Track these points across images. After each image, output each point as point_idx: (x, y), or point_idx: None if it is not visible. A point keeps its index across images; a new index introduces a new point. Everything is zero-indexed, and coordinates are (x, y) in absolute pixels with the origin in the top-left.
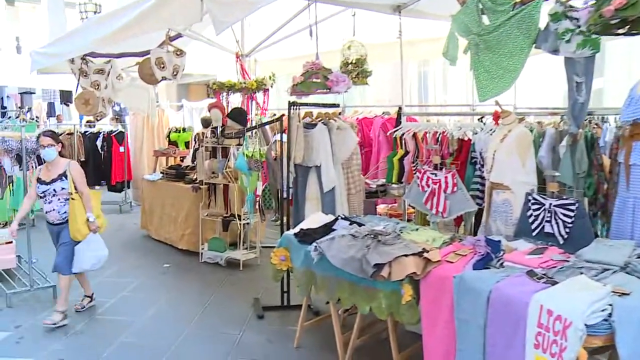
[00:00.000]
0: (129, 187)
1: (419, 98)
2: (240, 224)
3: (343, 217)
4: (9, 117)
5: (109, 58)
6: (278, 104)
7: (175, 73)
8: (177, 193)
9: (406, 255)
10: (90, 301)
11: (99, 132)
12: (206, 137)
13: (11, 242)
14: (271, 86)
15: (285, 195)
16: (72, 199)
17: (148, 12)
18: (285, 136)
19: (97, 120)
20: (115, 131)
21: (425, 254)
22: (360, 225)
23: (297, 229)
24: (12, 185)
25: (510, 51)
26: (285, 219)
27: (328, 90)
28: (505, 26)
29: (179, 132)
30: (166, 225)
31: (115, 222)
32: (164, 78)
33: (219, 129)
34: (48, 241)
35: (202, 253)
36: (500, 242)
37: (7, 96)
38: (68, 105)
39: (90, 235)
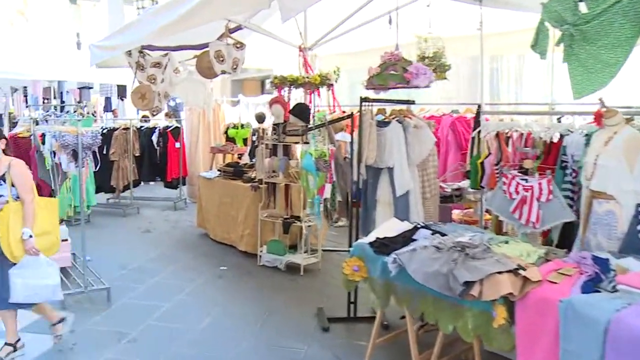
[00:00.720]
0: (184, 184)
1: (491, 96)
2: (301, 227)
3: (423, 225)
4: (67, 112)
5: (166, 51)
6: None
7: (234, 66)
8: (235, 192)
9: (500, 273)
10: (13, 351)
11: (154, 128)
12: (266, 133)
13: (67, 239)
14: (335, 81)
15: (354, 199)
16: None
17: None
18: (353, 135)
19: (153, 115)
20: (171, 126)
21: (522, 272)
22: (442, 235)
23: (372, 238)
24: (69, 182)
25: (611, 42)
26: (354, 224)
27: (406, 84)
28: (607, 14)
29: (237, 128)
30: (224, 224)
31: (170, 219)
32: (223, 72)
33: (281, 126)
34: (104, 238)
35: (260, 256)
36: (609, 260)
37: (67, 91)
38: (123, 100)
39: (26, 258)
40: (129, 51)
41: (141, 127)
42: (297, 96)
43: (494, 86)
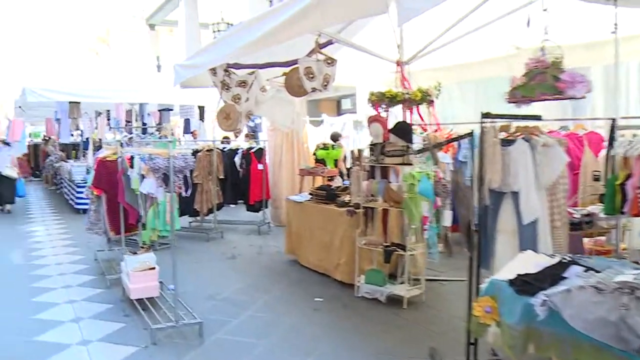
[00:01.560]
0: (266, 207)
1: (606, 108)
2: (403, 255)
3: (570, 259)
4: (150, 134)
5: (253, 69)
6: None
7: (325, 84)
8: (328, 217)
9: None
10: None
11: (237, 149)
12: (362, 154)
13: (154, 267)
14: (436, 97)
15: (475, 227)
16: None
17: (309, 9)
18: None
19: (236, 137)
20: (253, 148)
21: None
22: (596, 272)
23: (508, 274)
24: (156, 206)
25: None
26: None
27: (559, 95)
28: None
29: (327, 149)
30: (316, 251)
31: (255, 244)
32: (313, 89)
33: (378, 146)
34: (188, 265)
35: (358, 286)
36: None
37: (148, 114)
38: (204, 121)
39: None
40: (214, 70)
41: (223, 148)
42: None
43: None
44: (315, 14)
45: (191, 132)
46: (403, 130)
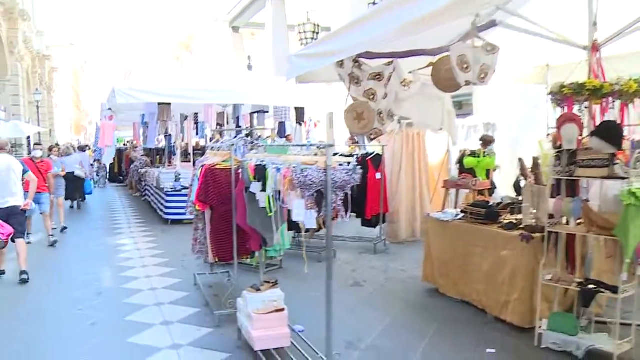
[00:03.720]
0: (384, 222)
1: None
2: (607, 297)
3: None
4: (258, 137)
5: (390, 59)
6: None
7: (483, 76)
8: (490, 240)
9: None
10: None
11: (350, 155)
12: (538, 164)
13: (283, 309)
14: None
15: None
16: None
17: None
18: None
19: (371, 140)
20: (371, 154)
21: None
22: None
23: None
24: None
25: None
26: None
27: None
28: None
29: (478, 156)
30: (473, 282)
31: (375, 266)
32: (467, 83)
33: (565, 154)
34: (305, 293)
35: (540, 334)
36: None
37: (242, 115)
38: (301, 125)
39: None
40: (341, 61)
41: (335, 154)
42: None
43: None
44: None
45: (285, 137)
46: (611, 132)
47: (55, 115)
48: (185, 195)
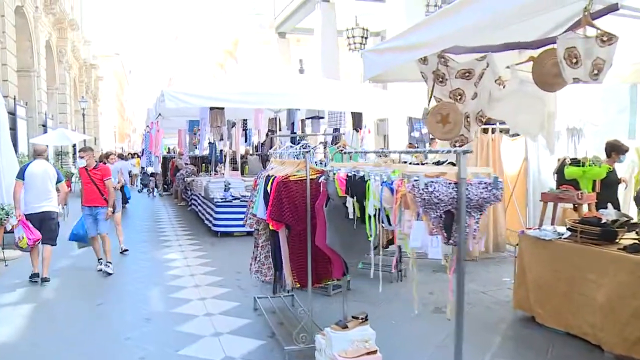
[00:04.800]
0: None
1: None
2: None
3: None
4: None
5: (483, 53)
6: None
7: (596, 72)
8: (608, 265)
9: None
10: None
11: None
12: None
13: (375, 351)
14: None
15: None
16: None
17: None
18: None
19: (454, 146)
20: (443, 162)
21: None
22: None
23: None
24: None
25: None
26: None
27: None
28: None
29: (582, 165)
30: (583, 312)
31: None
32: (575, 80)
33: None
34: (383, 320)
35: None
36: None
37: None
38: (358, 131)
39: None
40: (424, 58)
41: (404, 162)
42: None
43: None
44: None
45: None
46: None
47: (100, 124)
48: (237, 207)
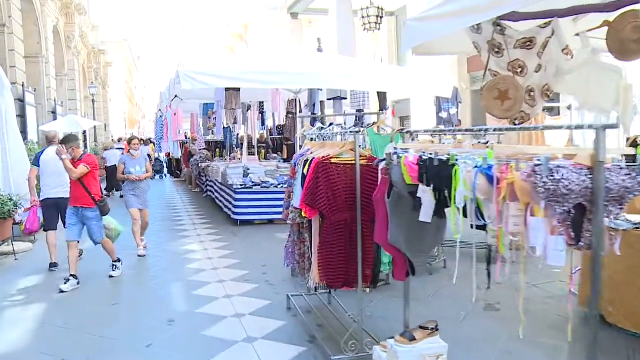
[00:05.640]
0: None
1: None
2: None
3: None
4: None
5: (547, 19)
6: None
7: None
8: None
9: None
10: None
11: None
12: None
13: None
14: None
15: None
16: None
17: None
18: None
19: (515, 124)
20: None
21: None
22: None
23: None
24: None
25: None
26: None
27: None
28: None
29: None
30: None
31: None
32: None
33: None
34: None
35: None
36: None
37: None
38: (383, 112)
39: None
40: (477, 25)
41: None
42: None
43: None
44: None
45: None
46: None
47: (110, 110)
48: (257, 193)
